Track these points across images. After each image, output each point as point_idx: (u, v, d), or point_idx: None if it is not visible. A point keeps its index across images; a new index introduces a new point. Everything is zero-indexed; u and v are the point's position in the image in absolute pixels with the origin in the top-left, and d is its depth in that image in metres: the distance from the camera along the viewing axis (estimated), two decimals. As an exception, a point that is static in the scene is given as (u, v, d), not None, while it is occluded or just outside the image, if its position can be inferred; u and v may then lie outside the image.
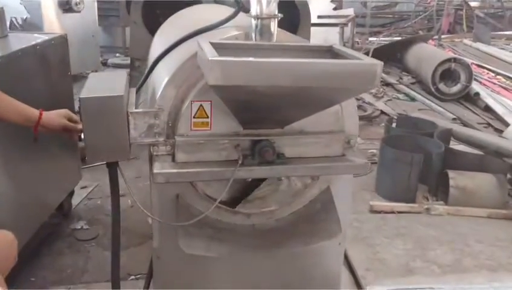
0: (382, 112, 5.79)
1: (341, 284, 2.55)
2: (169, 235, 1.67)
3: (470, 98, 6.30)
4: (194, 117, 1.53)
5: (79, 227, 3.08)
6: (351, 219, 3.24)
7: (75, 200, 3.33)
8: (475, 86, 6.33)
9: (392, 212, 3.38)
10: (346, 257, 2.83)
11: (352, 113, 1.70)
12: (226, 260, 1.73)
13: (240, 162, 1.51)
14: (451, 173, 3.42)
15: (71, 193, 3.21)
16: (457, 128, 4.16)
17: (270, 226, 1.78)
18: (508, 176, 3.57)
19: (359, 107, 5.93)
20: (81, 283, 2.56)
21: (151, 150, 1.56)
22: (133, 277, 2.59)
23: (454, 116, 5.60)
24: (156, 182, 1.50)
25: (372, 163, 4.07)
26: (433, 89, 6.33)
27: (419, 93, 6.55)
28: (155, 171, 1.49)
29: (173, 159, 1.56)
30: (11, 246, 1.57)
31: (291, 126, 1.59)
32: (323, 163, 1.62)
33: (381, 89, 6.75)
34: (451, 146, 3.92)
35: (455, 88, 6.33)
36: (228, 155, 1.57)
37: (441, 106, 6.03)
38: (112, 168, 1.59)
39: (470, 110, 6.04)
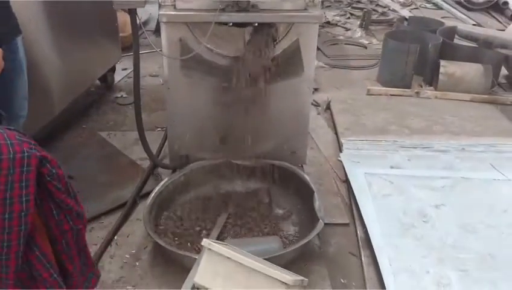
0: (405, 19, 6.02)
1: (321, 135, 3.15)
2: (175, 69, 2.30)
3: (498, 8, 6.36)
4: (189, -27, 2.08)
5: (120, 96, 3.80)
6: (346, 98, 3.76)
7: (117, 78, 4.04)
8: (505, -5, 6.35)
9: (386, 95, 3.85)
10: (332, 120, 3.41)
11: (315, -23, 2.17)
12: (217, 88, 2.33)
13: (221, 7, 2.05)
14: (442, 62, 3.80)
15: (113, 69, 3.90)
16: (461, 26, 4.43)
17: (253, 68, 2.35)
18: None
19: (382, 13, 6.20)
20: (119, 131, 3.30)
21: (160, 1, 2.13)
22: (159, 129, 3.29)
23: (475, 23, 5.76)
24: (161, 22, 2.09)
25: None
26: (461, -2, 6.43)
27: (448, 3, 6.65)
28: (160, 12, 2.07)
29: (175, 8, 2.13)
30: None
31: (263, -17, 2.10)
32: (285, 13, 2.14)
33: (410, -1, 6.90)
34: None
35: (484, -3, 6.38)
36: (215, 5, 2.11)
37: (465, 14, 6.16)
38: (132, 14, 2.18)
39: (496, 19, 6.15)
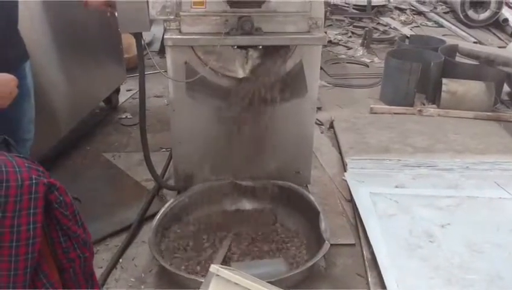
0: (406, 37, 6.07)
1: (325, 154, 3.16)
2: (180, 91, 2.32)
3: (498, 25, 6.42)
4: (193, -2, 2.11)
5: (124, 116, 3.83)
6: (350, 117, 3.78)
7: (121, 99, 4.07)
8: (505, 12, 6.42)
9: (389, 113, 3.86)
10: (336, 139, 3.42)
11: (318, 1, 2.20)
12: (220, 110, 2.35)
13: (226, 30, 2.08)
14: (444, 80, 3.83)
15: (118, 91, 3.93)
16: (462, 44, 4.46)
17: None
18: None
19: (384, 32, 6.26)
20: (123, 152, 3.31)
21: (165, 25, 2.16)
22: (163, 149, 3.30)
23: (476, 40, 5.81)
24: (166, 45, 2.11)
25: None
26: (461, 16, 6.49)
27: (449, 21, 6.72)
28: (166, 36, 2.10)
29: (180, 32, 2.16)
30: (7, 85, 1.61)
31: (267, 6, 2.13)
32: (289, 36, 2.16)
33: (411, 17, 6.97)
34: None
35: (484, 15, 6.44)
36: (219, 28, 2.14)
37: (466, 32, 6.21)
38: (138, 37, 2.20)
39: (496, 36, 6.20)
